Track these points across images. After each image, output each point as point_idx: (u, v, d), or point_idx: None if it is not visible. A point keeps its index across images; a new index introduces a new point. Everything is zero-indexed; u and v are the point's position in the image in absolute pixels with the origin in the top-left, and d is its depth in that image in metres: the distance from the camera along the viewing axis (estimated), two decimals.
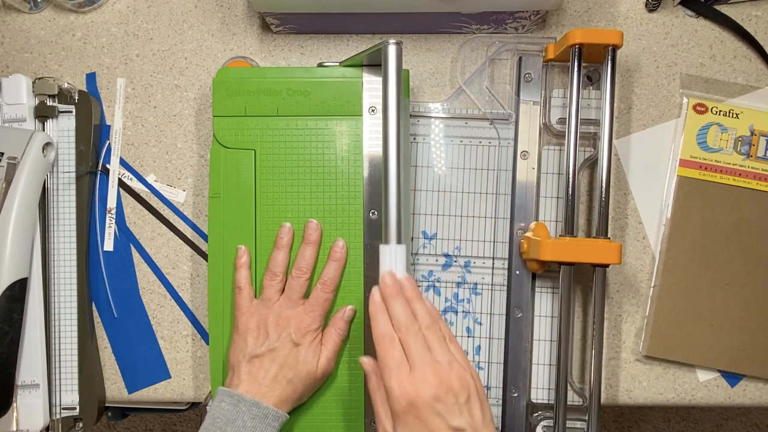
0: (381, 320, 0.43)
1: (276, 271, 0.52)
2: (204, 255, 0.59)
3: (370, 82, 0.54)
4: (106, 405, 0.60)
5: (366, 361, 0.45)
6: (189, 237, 0.60)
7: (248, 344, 0.50)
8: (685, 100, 0.57)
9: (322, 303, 0.51)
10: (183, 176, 0.60)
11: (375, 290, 0.44)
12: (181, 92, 0.60)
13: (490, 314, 0.57)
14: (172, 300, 0.59)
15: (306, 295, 0.52)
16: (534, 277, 0.57)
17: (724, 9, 0.58)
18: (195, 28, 0.60)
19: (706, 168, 0.57)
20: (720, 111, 0.57)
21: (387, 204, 0.45)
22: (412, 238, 0.57)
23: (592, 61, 0.55)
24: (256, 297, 0.53)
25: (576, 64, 0.52)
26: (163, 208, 0.60)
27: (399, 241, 0.45)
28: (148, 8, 0.60)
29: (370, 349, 0.54)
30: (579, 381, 0.57)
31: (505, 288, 0.57)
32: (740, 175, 0.56)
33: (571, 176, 0.52)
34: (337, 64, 0.55)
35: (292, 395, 0.50)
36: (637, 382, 0.58)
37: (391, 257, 0.45)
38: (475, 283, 0.57)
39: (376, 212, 0.54)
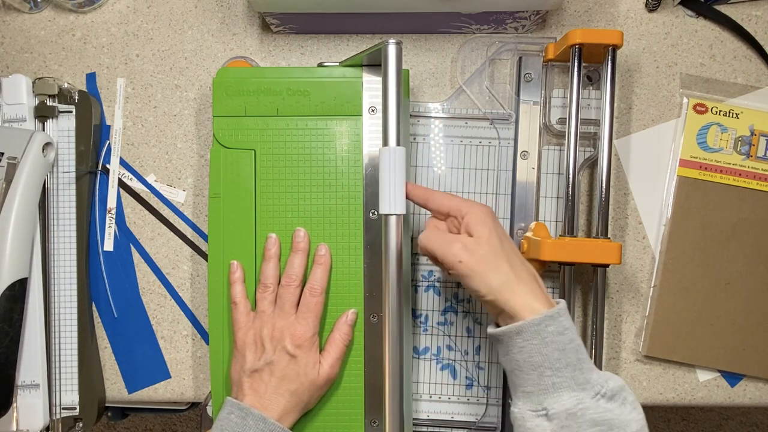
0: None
1: (267, 282, 0.52)
2: (204, 255, 0.59)
3: (370, 82, 0.54)
4: (106, 405, 0.60)
5: (423, 238, 0.47)
6: (189, 237, 0.60)
7: (247, 359, 0.50)
8: (685, 100, 0.57)
9: (312, 308, 0.51)
10: (183, 176, 0.60)
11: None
12: (181, 92, 0.60)
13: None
14: (172, 300, 0.59)
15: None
16: None
17: (724, 9, 0.58)
18: (195, 28, 0.60)
19: (706, 168, 0.57)
20: (720, 111, 0.57)
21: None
22: (412, 238, 0.57)
23: (592, 61, 0.55)
24: (253, 309, 0.53)
25: (576, 64, 0.52)
26: (163, 208, 0.60)
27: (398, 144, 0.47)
28: (148, 8, 0.60)
29: (370, 350, 0.54)
30: None
31: None
32: (740, 175, 0.56)
33: (571, 176, 0.52)
34: (337, 64, 0.55)
35: (296, 406, 0.50)
36: (637, 382, 0.58)
37: (390, 158, 0.46)
38: None
39: (376, 212, 0.54)
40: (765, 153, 0.56)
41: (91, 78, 0.60)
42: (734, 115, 0.57)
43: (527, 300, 0.42)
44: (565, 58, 0.54)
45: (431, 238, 0.46)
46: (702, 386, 0.58)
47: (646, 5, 0.58)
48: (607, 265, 0.53)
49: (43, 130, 0.56)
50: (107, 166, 0.60)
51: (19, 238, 0.52)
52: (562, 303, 0.43)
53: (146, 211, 0.60)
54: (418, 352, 0.58)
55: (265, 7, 0.54)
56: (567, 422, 0.39)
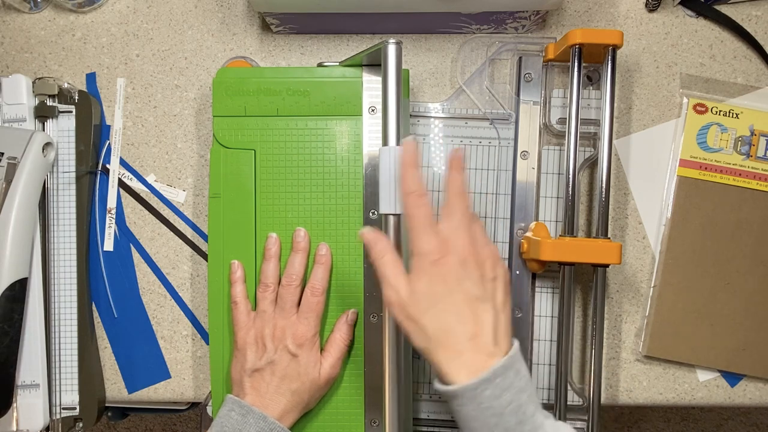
0: (411, 175, 0.42)
1: (268, 282, 0.52)
2: (204, 255, 0.59)
3: (370, 82, 0.54)
4: (106, 405, 0.60)
5: (366, 231, 0.44)
6: (189, 237, 0.60)
7: (248, 359, 0.50)
8: (685, 100, 0.57)
9: (314, 308, 0.51)
10: (183, 176, 0.60)
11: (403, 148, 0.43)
12: (181, 92, 0.60)
13: None
14: (172, 300, 0.59)
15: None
16: (534, 277, 0.57)
17: (724, 9, 0.58)
18: (195, 28, 0.60)
19: (706, 168, 0.57)
20: (720, 111, 0.57)
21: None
22: None
23: (592, 61, 0.55)
24: (254, 309, 0.53)
25: (576, 64, 0.52)
26: (163, 208, 0.60)
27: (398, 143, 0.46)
28: (148, 8, 0.60)
29: (370, 350, 0.54)
30: (579, 381, 0.57)
31: None
32: (740, 175, 0.56)
33: (571, 176, 0.52)
34: (337, 64, 0.55)
35: (296, 406, 0.50)
36: (637, 382, 0.58)
37: (390, 158, 0.45)
38: None
39: (376, 212, 0.54)
40: (765, 153, 0.56)
41: (91, 78, 0.60)
42: (734, 115, 0.57)
43: (459, 361, 0.39)
44: (565, 58, 0.54)
45: (390, 259, 0.42)
46: (702, 386, 0.58)
47: (646, 5, 0.58)
48: (607, 265, 0.53)
49: (43, 130, 0.56)
50: (107, 166, 0.60)
51: (19, 238, 0.52)
52: (504, 360, 0.38)
53: (146, 211, 0.60)
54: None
55: (265, 7, 0.54)
56: None
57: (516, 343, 0.41)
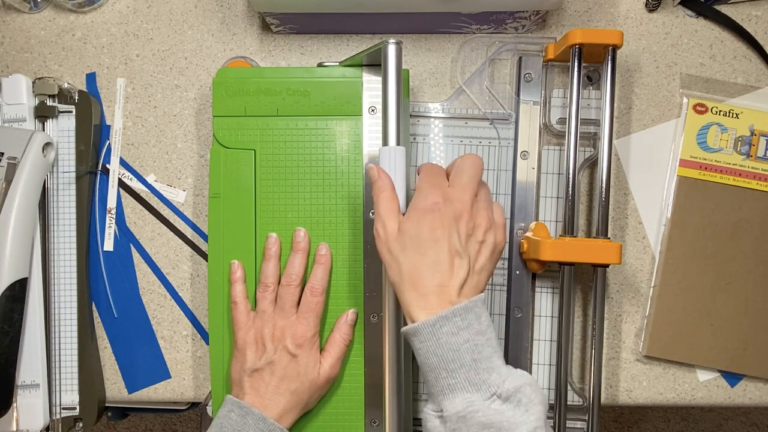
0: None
1: (267, 282, 0.52)
2: (204, 255, 0.59)
3: (370, 82, 0.54)
4: (106, 405, 0.60)
5: (373, 165, 0.46)
6: (189, 237, 0.60)
7: (247, 359, 0.50)
8: (685, 100, 0.57)
9: (313, 308, 0.51)
10: (183, 176, 0.60)
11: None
12: (181, 92, 0.60)
13: (490, 314, 0.57)
14: (172, 300, 0.59)
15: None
16: (534, 277, 0.57)
17: (724, 9, 0.58)
18: (195, 28, 0.60)
19: (706, 168, 0.57)
20: (720, 111, 0.57)
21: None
22: None
23: (592, 61, 0.55)
24: (254, 309, 0.53)
25: (576, 64, 0.52)
26: (163, 208, 0.60)
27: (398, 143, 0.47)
28: (148, 8, 0.60)
29: (370, 350, 0.54)
30: (579, 381, 0.57)
31: (505, 288, 0.57)
32: (740, 175, 0.56)
33: (571, 176, 0.52)
34: (337, 64, 0.55)
35: (296, 406, 0.50)
36: (637, 382, 0.58)
37: (390, 158, 0.46)
38: None
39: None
40: (765, 153, 0.56)
41: (91, 78, 0.60)
42: (734, 115, 0.57)
43: (423, 302, 0.41)
44: (565, 58, 0.54)
45: (387, 195, 0.44)
46: (702, 386, 0.58)
47: (646, 5, 0.58)
48: (607, 265, 0.53)
49: (43, 130, 0.56)
50: (107, 166, 0.60)
51: (19, 238, 0.52)
52: (465, 302, 0.41)
53: (146, 211, 0.60)
54: None
55: (265, 7, 0.54)
56: (458, 425, 0.39)
57: (482, 294, 0.43)
